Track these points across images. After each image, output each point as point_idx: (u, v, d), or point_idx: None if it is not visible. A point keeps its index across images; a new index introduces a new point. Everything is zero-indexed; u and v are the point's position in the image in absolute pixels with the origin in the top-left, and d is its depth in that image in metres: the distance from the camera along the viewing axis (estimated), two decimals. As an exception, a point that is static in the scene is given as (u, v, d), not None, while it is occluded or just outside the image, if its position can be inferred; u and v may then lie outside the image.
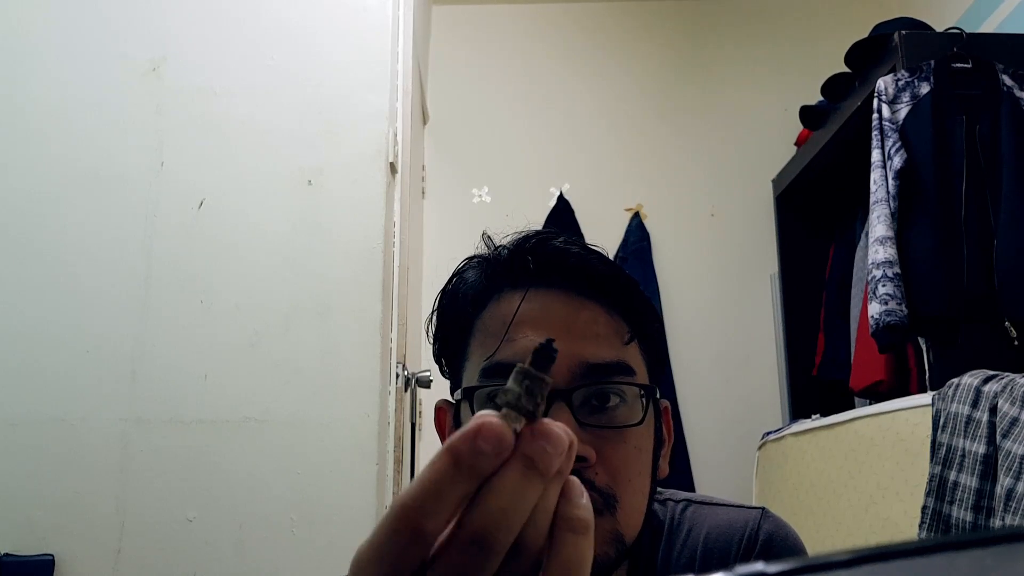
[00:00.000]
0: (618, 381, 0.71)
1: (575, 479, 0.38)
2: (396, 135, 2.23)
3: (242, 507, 1.95)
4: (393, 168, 2.21)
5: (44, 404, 1.98)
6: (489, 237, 0.80)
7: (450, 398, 0.80)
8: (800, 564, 0.24)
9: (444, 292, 0.81)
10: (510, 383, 0.37)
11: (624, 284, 0.75)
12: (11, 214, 2.08)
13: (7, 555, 1.88)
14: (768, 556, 0.75)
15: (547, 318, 0.72)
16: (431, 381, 2.28)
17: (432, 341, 0.82)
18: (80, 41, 2.18)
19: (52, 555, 1.89)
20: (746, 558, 0.78)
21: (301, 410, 2.01)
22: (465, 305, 0.77)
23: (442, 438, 0.79)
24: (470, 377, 0.74)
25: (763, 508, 0.84)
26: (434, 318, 0.80)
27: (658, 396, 0.75)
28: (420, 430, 2.50)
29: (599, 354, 0.71)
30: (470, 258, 0.80)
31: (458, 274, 0.81)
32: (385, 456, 2.01)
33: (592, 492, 0.66)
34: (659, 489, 0.84)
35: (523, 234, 0.78)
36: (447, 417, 0.80)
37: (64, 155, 2.11)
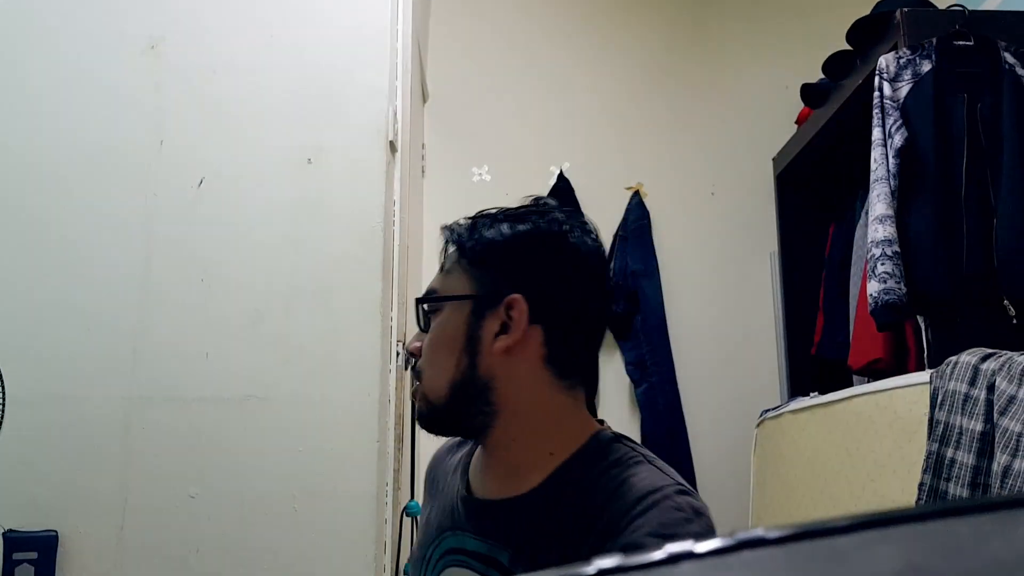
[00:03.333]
0: (423, 299, 1.05)
1: None
2: (396, 113, 2.22)
3: (244, 484, 1.97)
4: (393, 147, 2.21)
5: (46, 383, 1.99)
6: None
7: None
8: (800, 530, 0.25)
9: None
10: None
11: (465, 232, 1.03)
12: (11, 193, 2.08)
13: (11, 531, 1.89)
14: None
15: None
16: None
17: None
18: (79, 19, 2.17)
19: (56, 531, 1.91)
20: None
21: (302, 388, 2.01)
22: None
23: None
24: None
25: (677, 487, 0.92)
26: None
27: (500, 298, 0.98)
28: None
29: (429, 286, 1.06)
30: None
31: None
32: (386, 434, 2.02)
33: (413, 372, 1.05)
34: (628, 440, 1.01)
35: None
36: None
37: (63, 134, 2.11)
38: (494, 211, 1.05)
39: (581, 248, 1.01)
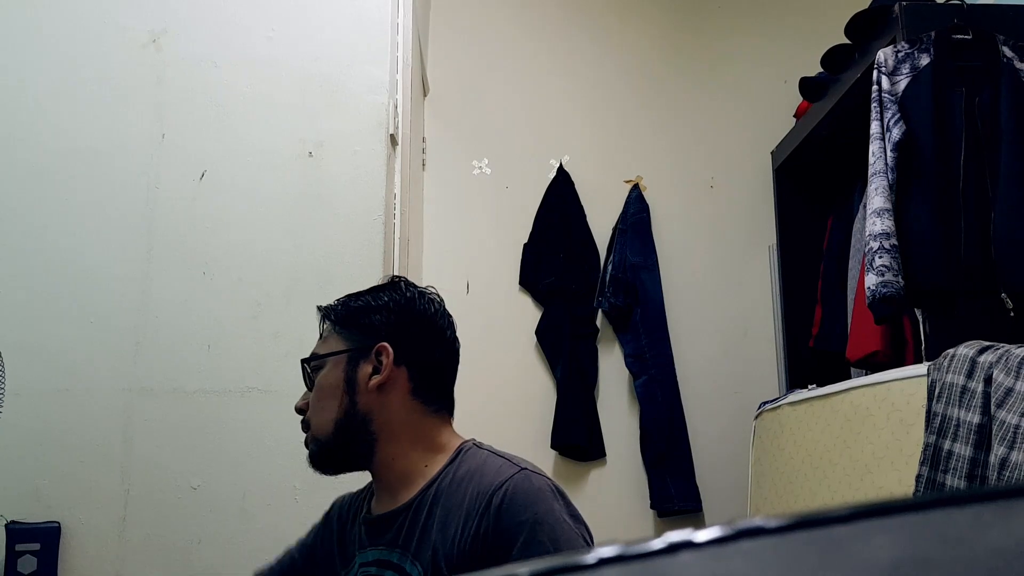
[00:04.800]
0: (308, 359, 1.26)
1: None
2: (396, 107, 2.23)
3: (246, 475, 1.98)
4: (393, 140, 2.22)
5: (49, 375, 2.00)
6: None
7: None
8: (799, 519, 0.25)
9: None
10: None
11: (337, 307, 1.28)
12: (12, 186, 2.08)
13: (14, 523, 1.90)
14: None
15: None
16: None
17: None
18: (80, 12, 2.17)
19: (58, 523, 1.92)
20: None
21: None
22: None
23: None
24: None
25: (522, 469, 1.14)
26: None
27: (370, 348, 1.22)
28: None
29: (311, 353, 1.28)
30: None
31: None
32: (386, 426, 2.03)
33: (302, 424, 1.25)
34: (488, 447, 1.22)
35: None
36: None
37: (65, 128, 2.11)
38: (358, 292, 1.30)
39: (427, 311, 1.26)
